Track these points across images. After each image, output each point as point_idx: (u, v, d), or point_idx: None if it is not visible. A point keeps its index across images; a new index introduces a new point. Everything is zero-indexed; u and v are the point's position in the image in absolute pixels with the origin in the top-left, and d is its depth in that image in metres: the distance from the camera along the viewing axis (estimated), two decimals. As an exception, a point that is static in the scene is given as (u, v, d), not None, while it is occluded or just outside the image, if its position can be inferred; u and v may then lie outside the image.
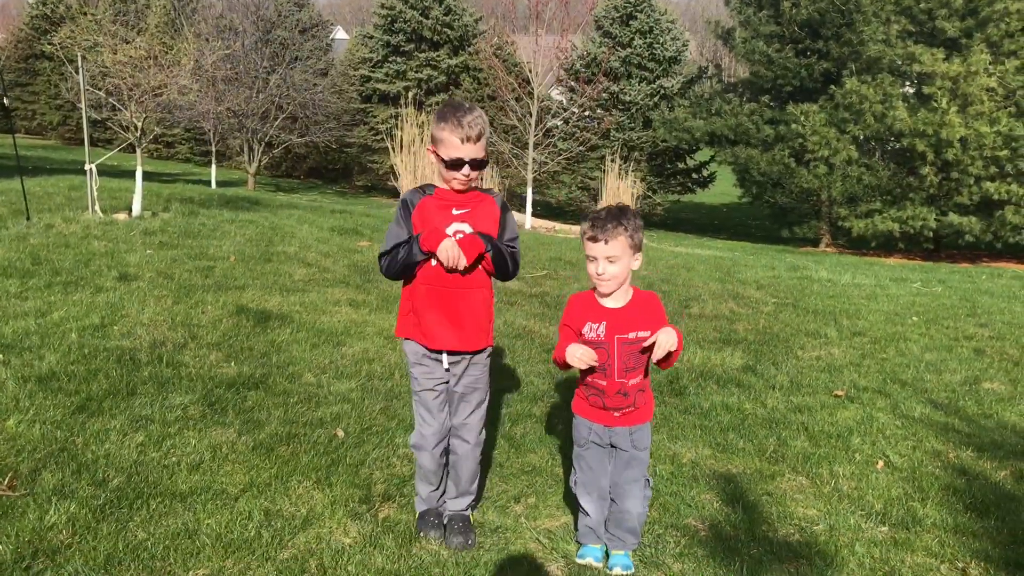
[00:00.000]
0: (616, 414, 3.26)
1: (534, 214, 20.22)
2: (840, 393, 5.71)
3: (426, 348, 3.39)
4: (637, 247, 3.13)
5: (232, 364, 5.16)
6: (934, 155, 18.96)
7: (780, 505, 3.97)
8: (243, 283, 7.04)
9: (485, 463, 4.19)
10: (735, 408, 5.33)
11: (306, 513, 3.51)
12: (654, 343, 3.06)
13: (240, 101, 25.05)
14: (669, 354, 3.09)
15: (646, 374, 3.29)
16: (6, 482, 3.43)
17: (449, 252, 3.19)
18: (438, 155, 3.27)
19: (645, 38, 26.83)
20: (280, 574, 3.07)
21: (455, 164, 3.24)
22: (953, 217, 19.02)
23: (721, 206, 35.27)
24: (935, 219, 19.37)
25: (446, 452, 3.53)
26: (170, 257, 7.58)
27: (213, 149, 25.85)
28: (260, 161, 27.13)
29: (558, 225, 20.31)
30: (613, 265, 3.11)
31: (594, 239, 3.11)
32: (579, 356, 3.08)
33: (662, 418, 5.02)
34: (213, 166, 25.69)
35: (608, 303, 3.20)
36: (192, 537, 3.22)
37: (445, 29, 29.46)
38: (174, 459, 3.84)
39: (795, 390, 5.76)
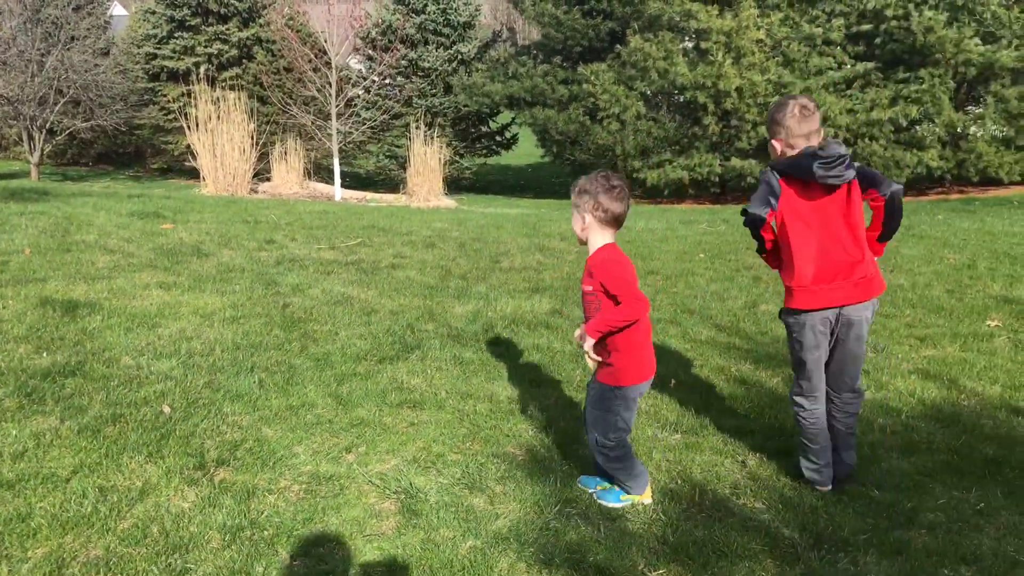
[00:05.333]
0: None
1: (343, 185, 20.12)
2: (637, 326, 6.25)
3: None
4: None
5: (44, 355, 5.05)
6: (714, 105, 20.31)
7: (587, 426, 4.42)
8: (43, 275, 6.80)
9: (313, 422, 4.40)
10: (545, 348, 5.77)
11: (142, 485, 3.60)
12: None
13: (14, 87, 23.25)
14: None
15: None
16: None
17: None
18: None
19: (438, 4, 26.89)
20: (123, 542, 3.18)
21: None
22: (735, 161, 20.47)
23: (526, 166, 36.13)
24: (719, 164, 20.78)
25: None
26: (-43, 255, 7.18)
27: (-13, 140, 23.94)
28: (43, 150, 25.27)
29: (369, 194, 20.33)
30: None
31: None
32: None
33: (479, 363, 5.37)
34: (-12, 158, 23.80)
35: None
36: (25, 520, 3.26)
37: (232, 1, 28.38)
38: (-5, 451, 3.80)
39: (598, 327, 6.27)
